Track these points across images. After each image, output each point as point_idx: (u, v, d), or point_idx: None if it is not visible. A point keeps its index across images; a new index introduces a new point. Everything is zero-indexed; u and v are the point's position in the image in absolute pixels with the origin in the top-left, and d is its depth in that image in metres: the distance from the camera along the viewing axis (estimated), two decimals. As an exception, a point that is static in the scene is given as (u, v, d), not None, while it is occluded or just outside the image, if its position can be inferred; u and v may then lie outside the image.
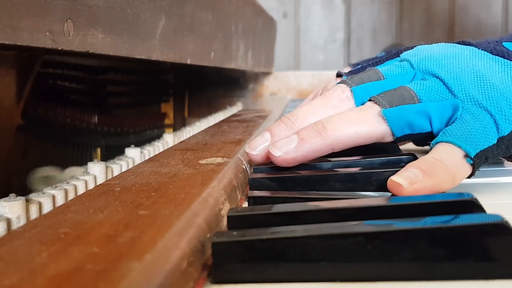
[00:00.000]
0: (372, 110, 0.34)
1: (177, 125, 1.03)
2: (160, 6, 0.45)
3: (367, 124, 0.33)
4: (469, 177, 0.31)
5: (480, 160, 0.31)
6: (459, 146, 0.30)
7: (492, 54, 0.35)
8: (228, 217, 0.24)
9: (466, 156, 0.30)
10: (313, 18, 1.72)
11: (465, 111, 0.32)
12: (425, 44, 0.39)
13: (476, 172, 0.32)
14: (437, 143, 0.31)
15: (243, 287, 0.20)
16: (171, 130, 0.94)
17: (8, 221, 0.28)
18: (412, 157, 0.32)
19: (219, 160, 0.32)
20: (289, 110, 0.79)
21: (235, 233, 0.21)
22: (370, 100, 0.35)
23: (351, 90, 0.37)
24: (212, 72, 1.11)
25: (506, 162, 0.41)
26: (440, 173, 0.29)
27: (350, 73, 0.43)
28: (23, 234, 0.19)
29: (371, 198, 0.27)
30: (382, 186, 0.29)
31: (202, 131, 0.48)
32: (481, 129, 0.31)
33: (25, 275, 0.15)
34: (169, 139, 0.58)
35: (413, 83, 0.35)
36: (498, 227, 0.19)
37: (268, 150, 0.33)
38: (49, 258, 0.16)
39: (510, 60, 0.34)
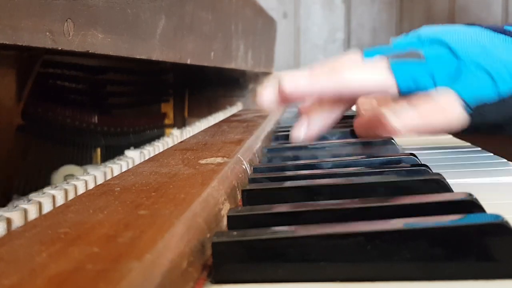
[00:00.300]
0: (381, 62, 0.35)
1: (177, 125, 1.03)
2: (160, 6, 0.45)
3: (375, 73, 0.34)
4: (465, 131, 0.33)
5: (478, 114, 0.32)
6: (459, 94, 0.32)
7: (495, 32, 0.37)
8: (228, 217, 0.24)
9: (467, 106, 0.32)
10: (313, 18, 1.72)
11: (468, 72, 0.34)
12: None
13: (476, 172, 0.34)
14: (442, 89, 0.33)
15: (243, 287, 0.20)
16: (171, 130, 0.94)
17: (9, 221, 0.28)
18: (412, 157, 0.33)
19: (219, 160, 0.32)
20: (289, 110, 0.79)
21: (235, 233, 0.21)
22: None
23: (362, 52, 0.38)
24: (212, 72, 1.11)
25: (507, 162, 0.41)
26: (435, 112, 0.31)
27: None
28: (23, 234, 0.19)
29: (371, 198, 0.27)
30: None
31: (202, 131, 0.48)
32: (482, 86, 0.33)
33: (25, 275, 0.15)
34: (169, 139, 0.58)
35: (421, 48, 0.36)
36: (498, 227, 0.19)
37: (279, 83, 0.33)
38: (49, 258, 0.16)
39: (511, 37, 0.36)
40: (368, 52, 0.38)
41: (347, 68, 0.34)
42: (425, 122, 0.30)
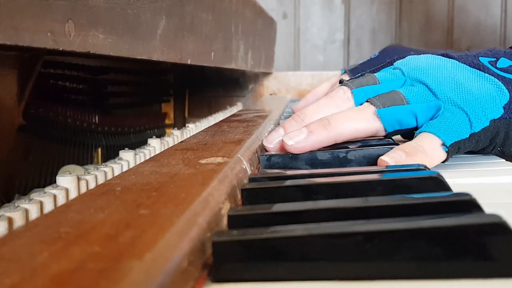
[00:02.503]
0: (368, 109, 0.40)
1: (178, 125, 1.03)
2: (161, 7, 0.45)
3: (364, 121, 0.39)
4: (443, 162, 0.37)
5: (454, 149, 0.37)
6: (438, 136, 0.37)
7: (470, 67, 0.41)
8: (229, 216, 0.24)
9: (443, 144, 0.37)
10: (312, 18, 1.72)
11: (446, 110, 0.38)
12: (415, 55, 0.45)
13: (475, 172, 0.37)
14: (420, 132, 0.38)
15: (243, 286, 0.20)
16: (171, 130, 0.94)
17: (10, 220, 0.28)
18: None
19: (219, 159, 0.33)
20: (289, 110, 0.79)
21: (235, 232, 0.21)
22: (367, 101, 0.41)
23: (352, 92, 0.43)
24: (212, 72, 1.12)
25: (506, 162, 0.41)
26: (420, 155, 0.36)
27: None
28: (25, 234, 0.19)
29: (370, 198, 0.27)
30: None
31: (202, 131, 0.48)
32: (457, 124, 0.37)
33: (27, 275, 0.15)
34: (170, 139, 0.58)
35: (403, 88, 0.41)
36: (497, 226, 0.19)
37: (282, 140, 0.38)
38: (50, 257, 0.17)
39: (484, 72, 0.40)
40: (357, 92, 0.42)
41: (339, 119, 0.39)
42: (410, 162, 0.35)
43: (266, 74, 1.23)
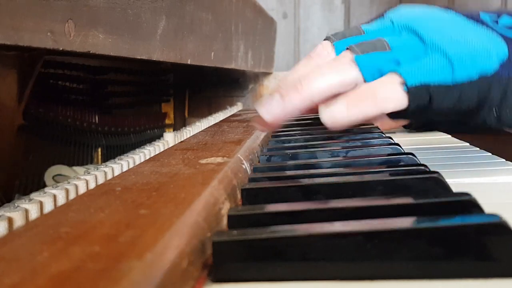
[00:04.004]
0: (345, 57, 0.35)
1: (178, 125, 1.03)
2: (161, 7, 0.45)
3: (339, 72, 0.34)
4: (404, 115, 0.32)
5: (421, 93, 0.31)
6: (399, 74, 0.31)
7: (468, 18, 0.36)
8: (229, 216, 0.24)
9: (403, 83, 0.31)
10: (312, 18, 1.72)
11: (427, 54, 0.33)
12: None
13: (475, 172, 0.35)
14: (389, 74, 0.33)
15: (243, 285, 0.20)
16: (171, 130, 0.95)
17: (10, 220, 0.28)
18: (411, 157, 0.33)
19: (219, 159, 0.33)
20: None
21: (235, 232, 0.21)
22: (346, 49, 0.36)
23: (333, 45, 0.38)
24: (212, 72, 1.12)
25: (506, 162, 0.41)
26: (365, 102, 0.31)
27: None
28: (25, 234, 0.19)
29: (370, 198, 0.27)
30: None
31: (202, 131, 0.48)
32: (431, 64, 0.32)
33: (27, 274, 0.15)
34: (170, 139, 0.58)
35: (389, 36, 0.36)
36: (497, 226, 0.19)
37: (259, 114, 0.34)
38: (50, 257, 0.17)
39: (483, 25, 0.35)
40: (338, 44, 0.38)
41: (312, 77, 0.34)
42: (353, 113, 0.30)
43: (266, 74, 1.22)
